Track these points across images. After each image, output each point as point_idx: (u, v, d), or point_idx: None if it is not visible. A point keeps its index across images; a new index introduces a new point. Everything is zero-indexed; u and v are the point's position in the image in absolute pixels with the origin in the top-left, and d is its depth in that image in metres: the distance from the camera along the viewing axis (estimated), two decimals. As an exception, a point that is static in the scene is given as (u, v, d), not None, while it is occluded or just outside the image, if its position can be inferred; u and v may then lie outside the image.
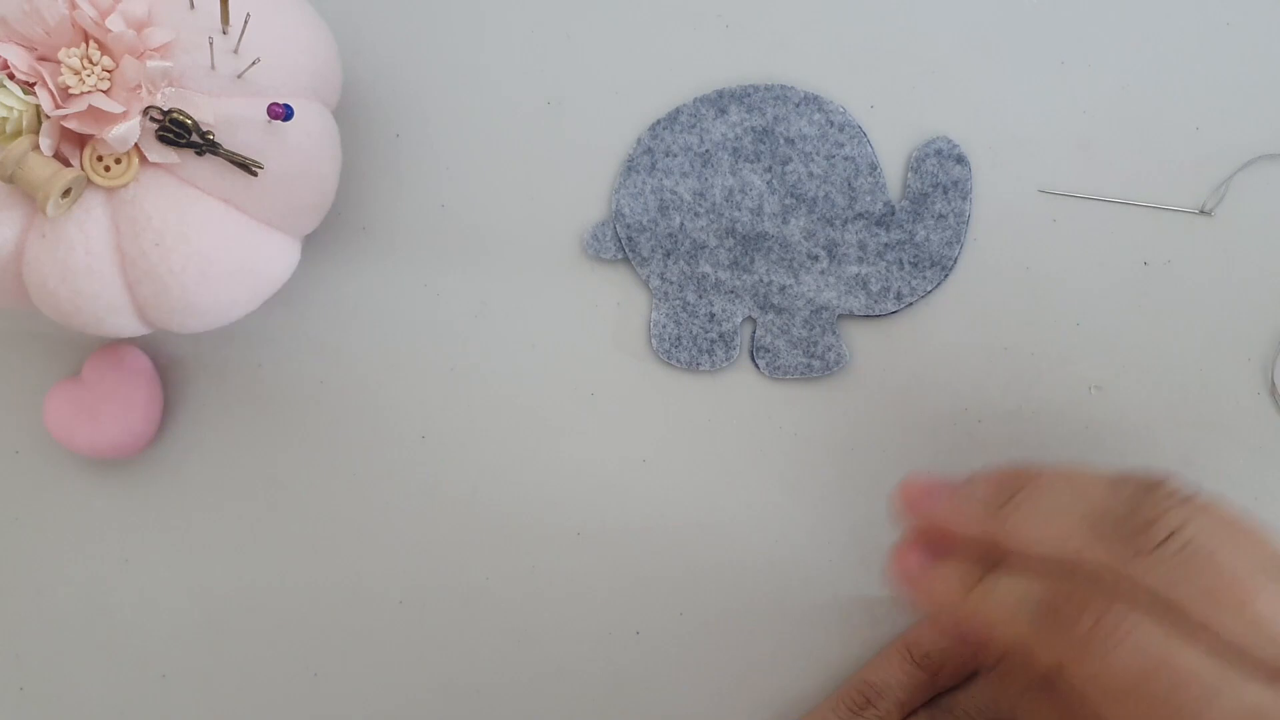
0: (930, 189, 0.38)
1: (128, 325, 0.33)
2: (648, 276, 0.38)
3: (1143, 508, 0.27)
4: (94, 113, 0.30)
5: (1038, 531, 0.29)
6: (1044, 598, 0.27)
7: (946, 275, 0.38)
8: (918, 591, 0.31)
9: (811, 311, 0.38)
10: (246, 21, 0.31)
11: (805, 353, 0.38)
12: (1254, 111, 0.38)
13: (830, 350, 0.38)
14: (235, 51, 0.31)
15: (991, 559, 0.30)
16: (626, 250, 0.38)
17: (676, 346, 0.38)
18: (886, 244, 0.38)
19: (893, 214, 0.38)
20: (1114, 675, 0.25)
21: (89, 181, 0.31)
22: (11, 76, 0.30)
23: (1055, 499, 0.29)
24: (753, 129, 0.38)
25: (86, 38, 0.31)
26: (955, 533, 0.31)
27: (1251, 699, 0.25)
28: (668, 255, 0.38)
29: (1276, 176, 0.38)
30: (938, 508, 0.31)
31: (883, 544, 0.38)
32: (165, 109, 0.31)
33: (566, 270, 0.39)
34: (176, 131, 0.31)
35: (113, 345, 0.38)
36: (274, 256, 0.34)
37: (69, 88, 0.30)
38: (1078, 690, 0.26)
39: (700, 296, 0.38)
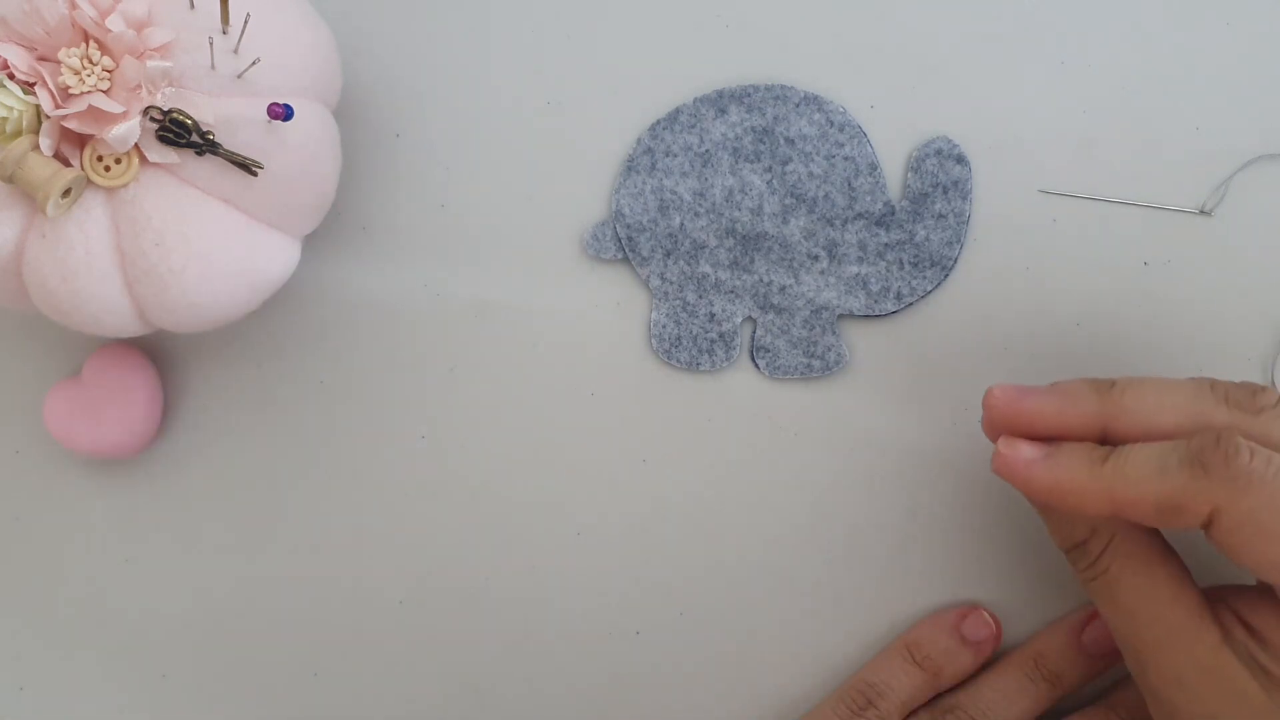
0: (930, 189, 0.38)
1: (128, 325, 0.33)
2: (648, 276, 0.38)
3: (1246, 387, 0.30)
4: (94, 113, 0.30)
5: (1157, 403, 0.30)
6: (1187, 451, 0.29)
7: (946, 275, 0.38)
8: (1040, 479, 0.31)
9: (811, 311, 0.38)
10: (246, 21, 0.31)
11: (805, 353, 0.38)
12: (1254, 111, 0.38)
13: (830, 350, 0.38)
14: (235, 51, 0.31)
15: (1105, 442, 0.31)
16: (626, 250, 0.38)
17: (676, 346, 0.38)
18: (886, 244, 0.38)
19: (893, 214, 0.38)
20: (1274, 506, 0.27)
21: (89, 181, 0.31)
22: (11, 76, 0.30)
23: (1158, 384, 0.31)
24: (753, 129, 0.38)
25: (86, 38, 0.31)
26: (1060, 423, 0.31)
27: None
28: (668, 255, 0.38)
29: (1276, 176, 0.38)
30: (1038, 402, 0.32)
31: (882, 544, 0.38)
32: (165, 109, 0.31)
33: (566, 270, 0.39)
34: (176, 131, 0.31)
35: (113, 345, 0.38)
36: (274, 256, 0.34)
37: (69, 88, 0.30)
38: (1229, 535, 0.28)
39: (700, 296, 0.38)
